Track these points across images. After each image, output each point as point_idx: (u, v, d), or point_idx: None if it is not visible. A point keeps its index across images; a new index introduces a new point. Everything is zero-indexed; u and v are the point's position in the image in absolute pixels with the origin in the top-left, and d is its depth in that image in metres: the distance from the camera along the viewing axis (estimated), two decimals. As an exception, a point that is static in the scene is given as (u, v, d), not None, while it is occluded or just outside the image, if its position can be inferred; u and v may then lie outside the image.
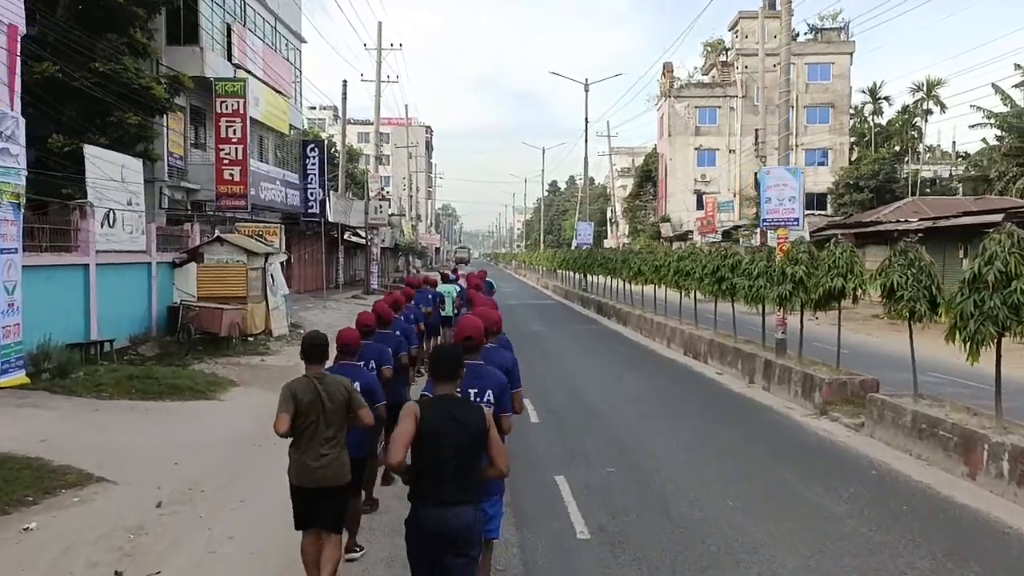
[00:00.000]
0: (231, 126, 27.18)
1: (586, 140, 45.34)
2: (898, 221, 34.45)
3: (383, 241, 53.20)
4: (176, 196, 27.89)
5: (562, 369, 18.41)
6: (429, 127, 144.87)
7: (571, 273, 42.59)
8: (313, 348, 5.97)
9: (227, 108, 27.15)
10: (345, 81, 44.46)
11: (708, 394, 15.19)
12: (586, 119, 45.20)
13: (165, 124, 26.78)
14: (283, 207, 35.08)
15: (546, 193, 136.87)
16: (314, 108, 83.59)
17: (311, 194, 37.68)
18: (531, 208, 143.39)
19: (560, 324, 29.49)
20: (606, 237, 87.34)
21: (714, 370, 17.64)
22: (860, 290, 12.73)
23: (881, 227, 33.99)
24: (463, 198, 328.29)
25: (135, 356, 18.57)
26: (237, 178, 27.24)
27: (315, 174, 37.76)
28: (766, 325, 16.49)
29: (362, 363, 7.23)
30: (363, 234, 45.79)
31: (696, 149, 68.81)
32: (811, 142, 65.58)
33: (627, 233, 79.09)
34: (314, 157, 37.77)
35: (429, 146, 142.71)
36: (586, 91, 44.38)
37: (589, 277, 38.62)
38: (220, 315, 20.06)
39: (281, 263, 26.93)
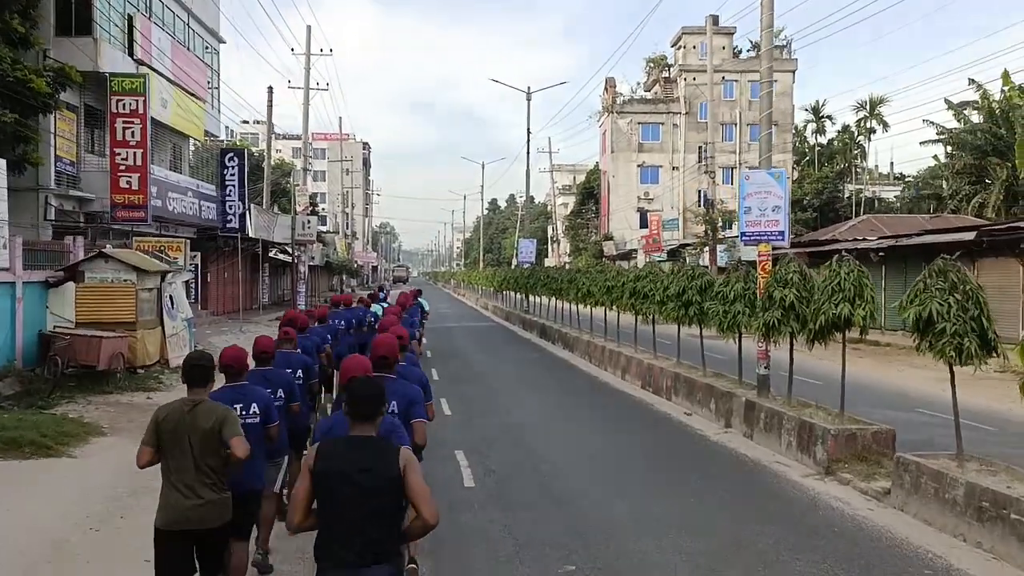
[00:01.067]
0: (129, 127, 23.93)
1: (528, 151, 42.90)
2: (855, 239, 32.59)
3: (312, 259, 49.84)
4: (66, 207, 24.46)
5: (504, 411, 15.61)
6: (366, 143, 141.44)
7: (512, 293, 39.89)
8: (194, 370, 5.24)
9: (124, 107, 23.91)
10: (271, 87, 41.68)
11: (682, 445, 12.53)
12: (528, 129, 42.79)
13: (52, 124, 23.46)
14: (197, 221, 31.72)
15: (486, 211, 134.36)
16: (247, 122, 79.58)
17: (230, 207, 34.34)
18: (471, 227, 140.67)
19: (501, 351, 26.72)
20: (547, 256, 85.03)
21: (682, 410, 15.02)
22: (871, 318, 10.23)
23: (838, 246, 32.03)
24: (402, 216, 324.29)
25: (-14, 396, 15.24)
26: (136, 186, 23.96)
27: (234, 185, 34.45)
28: (743, 358, 13.95)
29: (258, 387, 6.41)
30: (290, 251, 42.49)
31: (639, 166, 66.96)
32: (754, 160, 64.19)
33: (569, 251, 76.88)
34: (233, 167, 34.47)
35: (367, 163, 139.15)
36: (528, 100, 42.03)
37: (532, 298, 35.98)
38: (98, 344, 16.81)
39: (186, 282, 23.70)
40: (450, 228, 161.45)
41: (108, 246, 21.58)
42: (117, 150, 23.85)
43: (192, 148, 36.57)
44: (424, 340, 29.85)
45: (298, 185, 42.50)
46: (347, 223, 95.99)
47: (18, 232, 21.90)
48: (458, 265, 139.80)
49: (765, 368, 12.88)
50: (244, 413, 5.85)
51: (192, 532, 5.06)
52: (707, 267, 34.70)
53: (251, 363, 6.58)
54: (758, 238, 12.82)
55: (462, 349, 27.28)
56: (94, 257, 18.72)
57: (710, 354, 15.91)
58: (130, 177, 23.86)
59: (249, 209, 35.19)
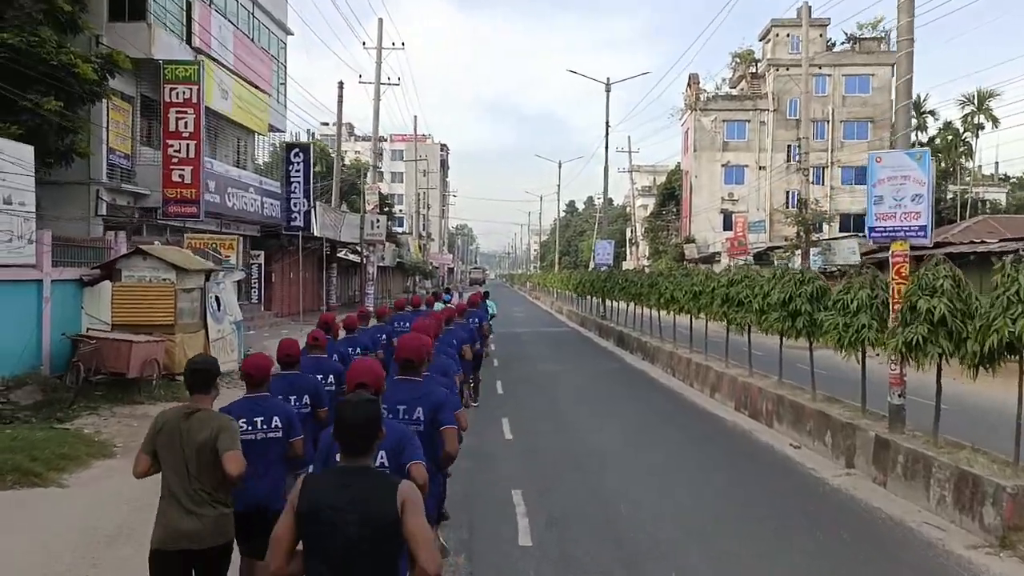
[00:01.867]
0: (182, 118, 22.50)
1: (606, 146, 40.48)
2: (972, 242, 29.21)
3: (383, 259, 48.42)
4: (119, 201, 23.17)
5: (575, 436, 13.36)
6: (445, 145, 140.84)
7: (588, 297, 37.52)
8: (194, 375, 4.79)
9: (178, 96, 22.49)
10: (341, 83, 39.95)
11: (793, 489, 10.07)
12: (607, 123, 40.40)
13: (104, 114, 22.18)
14: (259, 218, 30.34)
15: (563, 213, 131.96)
16: (327, 124, 78.83)
17: (294, 204, 32.97)
18: (547, 229, 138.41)
19: (575, 360, 24.42)
20: (625, 258, 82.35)
21: (787, 440, 12.51)
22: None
23: (952, 248, 28.75)
24: (479, 218, 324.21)
25: (2, 405, 13.70)
26: (188, 180, 22.51)
27: (299, 182, 33.08)
28: (868, 381, 11.39)
29: (281, 397, 5.94)
30: (361, 250, 41.01)
31: (723, 165, 63.73)
32: (848, 159, 60.41)
33: (648, 254, 74.02)
34: (298, 163, 33.09)
35: (445, 165, 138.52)
36: (607, 91, 39.62)
37: (608, 302, 33.57)
38: (128, 349, 15.18)
39: (238, 282, 22.13)
40: (527, 230, 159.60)
41: (156, 242, 20.13)
42: (170, 141, 22.44)
43: (266, 145, 35.28)
44: (492, 346, 27.85)
45: (368, 184, 40.96)
46: (423, 224, 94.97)
47: (67, 227, 20.74)
48: (535, 268, 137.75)
49: (900, 396, 10.31)
50: (265, 427, 5.44)
51: (190, 552, 4.58)
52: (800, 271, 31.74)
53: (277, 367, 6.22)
54: (892, 234, 10.25)
55: (532, 357, 25.10)
56: (131, 254, 17.17)
57: (817, 371, 13.35)
58: (183, 170, 22.42)
59: (314, 207, 33.72)
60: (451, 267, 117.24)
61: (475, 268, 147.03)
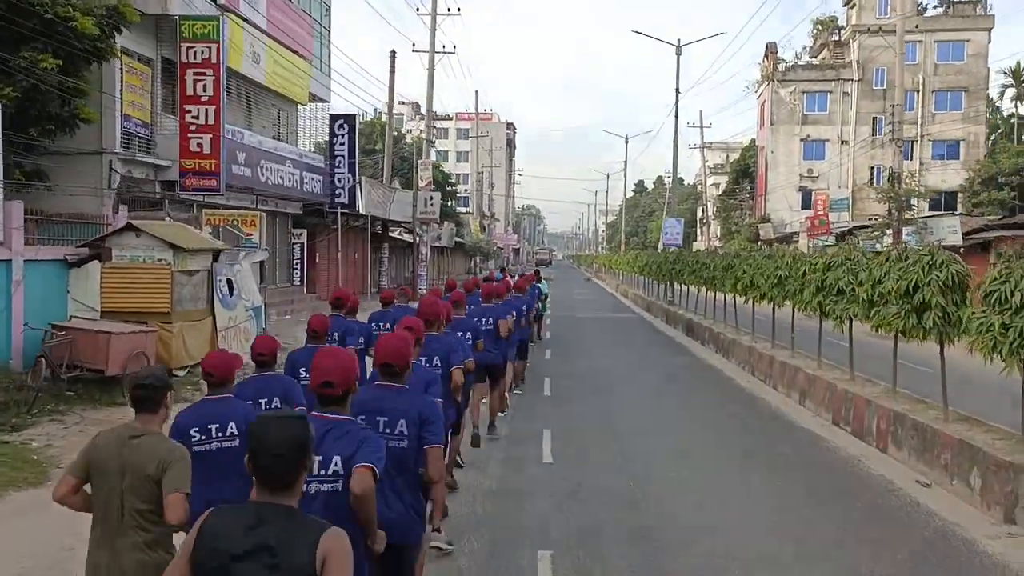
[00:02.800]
0: (200, 80, 20.15)
1: (676, 115, 37.09)
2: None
3: (438, 239, 46.00)
4: (136, 174, 21.03)
5: (634, 460, 10.52)
6: (511, 124, 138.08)
7: (655, 281, 34.41)
8: (136, 391, 4.06)
9: (196, 56, 20.13)
10: (393, 52, 37.44)
11: (934, 556, 7.11)
12: (677, 89, 37.00)
13: (117, 77, 20.01)
14: (299, 194, 28.06)
15: (632, 193, 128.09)
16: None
17: (339, 179, 30.61)
18: (615, 209, 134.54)
19: (637, 352, 21.49)
20: (695, 239, 78.63)
21: (911, 475, 9.44)
22: None
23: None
24: (547, 198, 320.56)
25: (-50, 408, 11.53)
26: (207, 149, 20.19)
27: (344, 155, 30.70)
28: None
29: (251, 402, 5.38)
30: (414, 229, 38.63)
31: (802, 140, 59.55)
32: (940, 132, 55.69)
33: (720, 235, 70.22)
34: (343, 135, 30.71)
35: (511, 144, 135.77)
36: (677, 54, 36.22)
37: (676, 286, 30.45)
38: (106, 342, 12.88)
39: (260, 262, 19.83)
40: (593, 210, 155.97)
41: (167, 217, 17.90)
42: (187, 107, 20.14)
43: (316, 121, 32.90)
44: (547, 333, 25.12)
45: (422, 159, 38.49)
46: (487, 204, 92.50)
47: (77, 202, 18.69)
48: (603, 248, 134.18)
49: (1091, 430, 7.25)
50: (220, 434, 4.80)
51: None
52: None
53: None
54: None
55: (590, 347, 22.28)
56: (122, 230, 14.87)
57: (919, 368, 10.21)
58: (201, 138, 20.12)
59: (360, 183, 31.34)
60: (516, 248, 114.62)
61: (540, 249, 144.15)
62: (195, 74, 20.04)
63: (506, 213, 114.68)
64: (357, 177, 30.92)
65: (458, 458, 9.01)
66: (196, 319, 15.51)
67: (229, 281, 16.92)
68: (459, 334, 8.15)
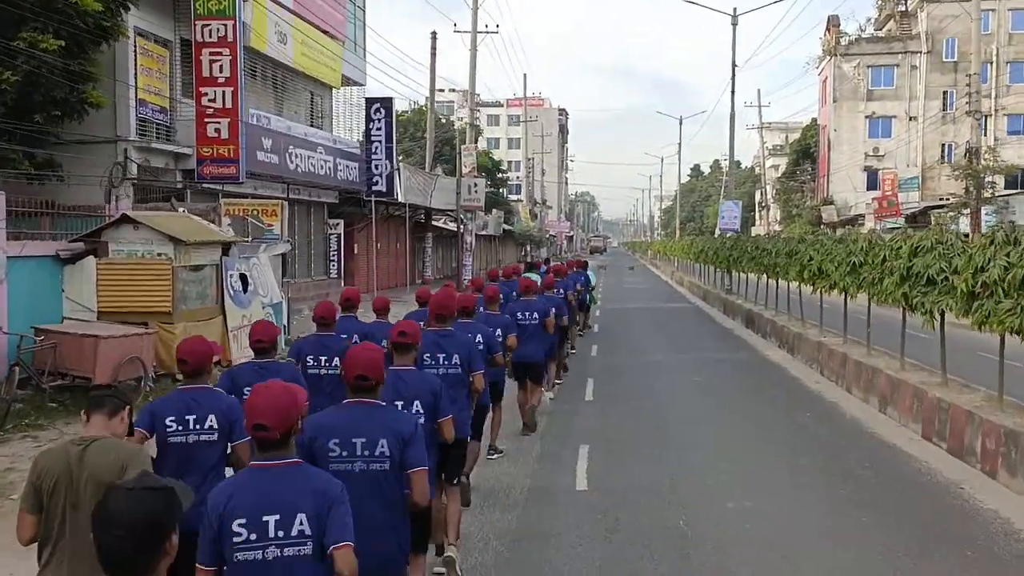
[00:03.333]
0: (216, 60, 18.81)
1: (733, 90, 34.77)
2: None
3: (484, 227, 44.44)
4: (156, 162, 19.85)
5: (683, 493, 8.76)
6: (563, 110, 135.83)
7: (712, 268, 32.31)
8: (94, 394, 4.03)
9: (211, 35, 18.80)
10: (434, 33, 35.91)
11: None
12: (733, 63, 34.67)
13: (132, 60, 18.82)
14: (333, 182, 26.72)
15: (687, 177, 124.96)
16: (442, 91, 75.33)
17: (376, 166, 29.19)
18: (670, 195, 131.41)
19: (694, 348, 19.57)
20: (754, 224, 75.81)
21: (1035, 513, 7.57)
22: None
23: None
24: (601, 184, 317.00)
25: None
26: (225, 135, 18.88)
27: (381, 141, 29.24)
28: None
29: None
30: (458, 218, 37.12)
31: (867, 117, 56.47)
32: (1015, 105, 52.20)
33: (779, 219, 67.39)
34: (380, 119, 29.25)
35: (564, 130, 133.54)
36: (734, 25, 33.90)
37: (735, 273, 28.38)
38: (94, 347, 11.56)
39: (283, 255, 18.47)
40: (648, 195, 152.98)
41: (182, 209, 16.60)
42: (203, 89, 18.82)
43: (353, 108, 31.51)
44: (595, 326, 23.39)
45: (465, 144, 36.91)
46: (539, 191, 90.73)
47: (91, 193, 17.54)
48: (658, 235, 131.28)
49: None
50: (199, 427, 4.54)
51: None
52: (967, 234, 25.54)
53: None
54: None
55: (640, 342, 20.48)
56: (119, 222, 13.53)
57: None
58: (218, 123, 18.79)
59: (398, 169, 29.88)
60: (570, 235, 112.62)
61: (595, 236, 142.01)
62: (211, 54, 18.71)
63: (559, 200, 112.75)
64: (395, 163, 29.45)
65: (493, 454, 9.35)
66: (204, 318, 14.16)
67: (243, 276, 15.56)
68: (491, 330, 7.93)
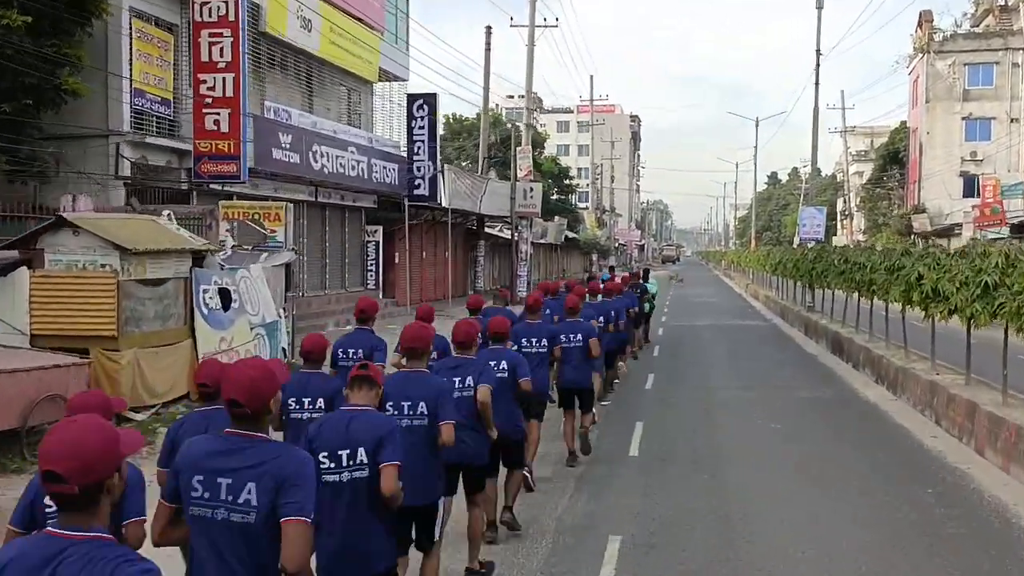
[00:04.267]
0: (217, 43, 16.32)
1: (817, 81, 30.92)
2: None
3: (543, 236, 41.49)
4: (156, 161, 17.52)
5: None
6: (636, 116, 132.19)
7: (791, 281, 28.67)
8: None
9: (210, 14, 16.32)
10: (489, 27, 33.19)
11: None
12: (817, 50, 31.03)
13: (127, 44, 16.55)
14: (368, 185, 24.16)
15: (764, 185, 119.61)
16: (512, 97, 72.74)
17: (418, 168, 26.56)
18: (745, 204, 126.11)
19: (767, 379, 16.22)
20: (835, 233, 71.11)
21: None
22: None
23: None
24: (674, 192, 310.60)
25: None
26: (225, 127, 16.37)
27: (423, 141, 26.61)
28: None
29: None
30: (512, 224, 34.30)
31: (964, 119, 51.63)
32: None
33: (863, 228, 62.67)
34: (422, 117, 26.61)
35: (636, 137, 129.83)
36: (819, 9, 30.22)
37: (818, 289, 24.80)
38: (-7, 383, 9.01)
39: (287, 265, 15.87)
40: (723, 203, 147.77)
41: (167, 213, 14.07)
42: (202, 76, 16.36)
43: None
44: (655, 346, 20.25)
45: (520, 146, 34.08)
46: (609, 198, 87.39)
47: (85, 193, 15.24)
48: (734, 244, 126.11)
49: None
50: None
51: None
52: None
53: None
54: None
55: (706, 370, 17.24)
56: (55, 226, 10.99)
57: None
58: (218, 114, 16.31)
59: (442, 171, 27.18)
60: (641, 244, 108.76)
61: (667, 245, 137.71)
62: (210, 35, 16.25)
63: (629, 208, 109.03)
64: (439, 165, 26.76)
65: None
66: (165, 342, 11.57)
67: (224, 291, 12.93)
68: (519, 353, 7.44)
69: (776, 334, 24.67)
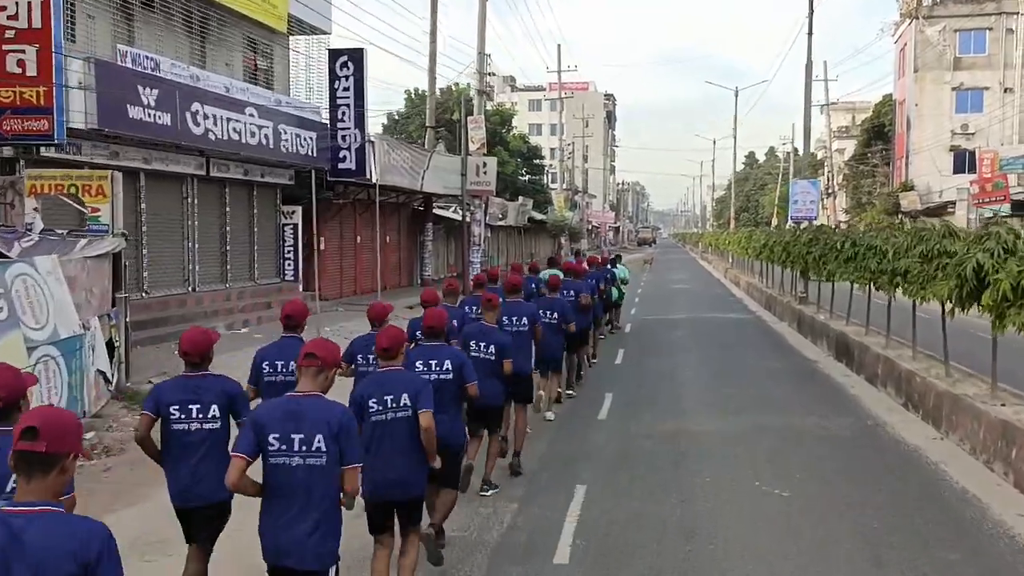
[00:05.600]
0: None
1: (810, 30, 26.63)
2: None
3: (501, 217, 37.33)
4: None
5: None
6: (611, 95, 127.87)
7: (778, 268, 24.66)
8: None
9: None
10: (435, -19, 28.72)
11: None
12: (811, 7, 26.89)
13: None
14: (271, 155, 19.91)
15: (742, 166, 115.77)
16: (489, 75, 67.88)
17: (343, 137, 22.31)
18: (721, 185, 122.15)
19: (762, 402, 12.11)
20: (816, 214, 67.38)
21: None
22: None
23: None
24: (650, 172, 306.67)
25: None
26: (32, 70, 12.06)
27: (348, 106, 22.35)
28: None
29: None
30: (462, 204, 30.14)
31: (954, 89, 47.98)
32: None
33: (846, 207, 59.01)
34: (346, 77, 22.33)
35: (611, 117, 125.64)
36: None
37: (810, 275, 20.84)
38: None
39: (113, 254, 11.65)
40: (700, 182, 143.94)
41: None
42: None
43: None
44: (620, 354, 16.26)
45: (473, 116, 29.79)
46: (582, 179, 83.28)
47: None
48: (711, 226, 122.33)
49: None
50: (200, 415, 4.87)
51: None
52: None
53: None
54: None
55: (679, 387, 13.19)
56: None
57: None
58: (22, 52, 12.00)
59: (372, 142, 22.91)
60: (616, 226, 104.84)
61: (643, 227, 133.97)
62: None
63: (604, 189, 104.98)
64: (367, 134, 22.48)
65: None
66: None
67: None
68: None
69: (764, 332, 20.61)
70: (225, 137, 17.62)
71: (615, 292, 17.45)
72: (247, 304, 19.86)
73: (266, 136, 19.06)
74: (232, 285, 20.01)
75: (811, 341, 17.85)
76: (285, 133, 19.91)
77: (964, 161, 46.69)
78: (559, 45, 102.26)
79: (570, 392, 11.71)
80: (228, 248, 19.94)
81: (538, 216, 49.65)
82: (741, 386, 13.14)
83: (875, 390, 12.58)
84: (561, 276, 11.30)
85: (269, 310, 19.81)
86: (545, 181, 72.41)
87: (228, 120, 17.75)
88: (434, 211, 31.35)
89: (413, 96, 56.67)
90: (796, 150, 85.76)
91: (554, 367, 10.43)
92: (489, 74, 29.96)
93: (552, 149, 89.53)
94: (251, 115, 18.53)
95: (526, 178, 59.65)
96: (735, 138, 66.15)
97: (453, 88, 54.54)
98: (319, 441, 3.86)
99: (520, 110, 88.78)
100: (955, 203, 41.26)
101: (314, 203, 19.55)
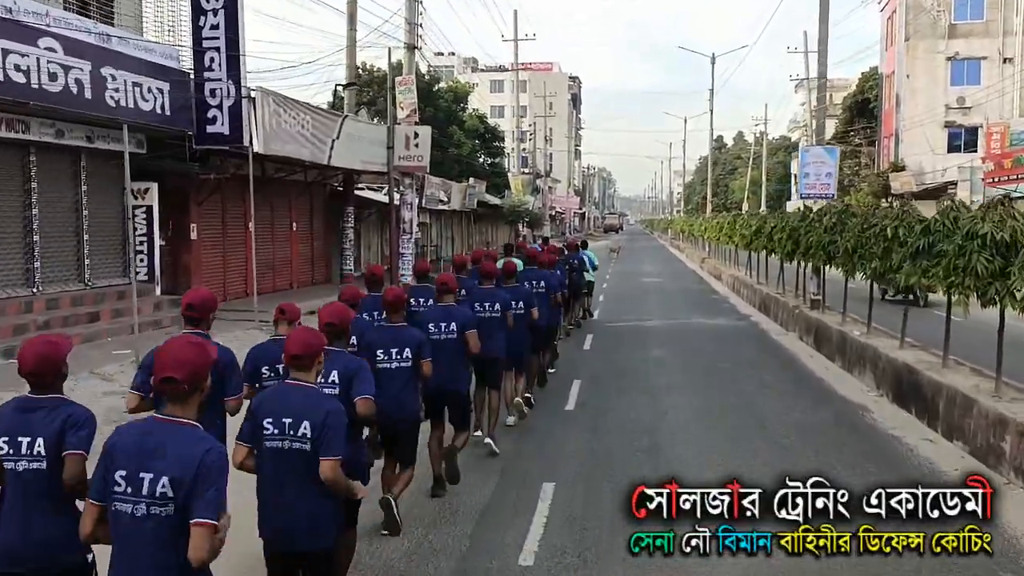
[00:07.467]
0: None
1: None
2: None
3: (443, 201, 31.73)
4: None
5: None
6: (576, 78, 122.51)
7: (778, 260, 19.33)
8: None
9: None
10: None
11: None
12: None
13: None
14: (93, 110, 14.21)
15: (712, 147, 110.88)
16: (441, 55, 61.90)
17: (213, 92, 16.67)
18: (690, 170, 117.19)
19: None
20: (789, 198, 62.93)
21: None
22: None
23: None
24: (620, 157, 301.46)
25: None
26: None
27: (219, 50, 16.69)
28: None
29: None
30: (389, 184, 24.66)
31: (949, 59, 43.21)
32: None
33: (827, 191, 54.14)
34: (214, 12, 16.64)
35: (576, 100, 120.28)
36: None
37: (826, 270, 15.59)
38: None
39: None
40: (668, 166, 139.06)
41: None
42: None
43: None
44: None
45: (401, 78, 24.18)
46: (544, 162, 77.85)
47: None
48: (678, 212, 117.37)
49: None
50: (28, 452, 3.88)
51: None
52: None
53: None
54: None
55: (657, 457, 7.87)
56: None
57: None
58: None
59: (251, 98, 17.23)
60: (581, 212, 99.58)
61: (609, 213, 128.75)
62: None
63: (568, 174, 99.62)
64: (243, 90, 16.78)
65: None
66: None
67: None
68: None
69: (770, 350, 15.20)
70: (33, 86, 12.00)
71: (584, 277, 16.17)
72: (69, 314, 14.28)
73: (77, 81, 13.38)
74: (43, 291, 14.35)
75: (842, 366, 12.53)
76: (114, 80, 14.24)
77: (960, 139, 42.10)
78: (515, 11, 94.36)
79: (528, 397, 9.85)
80: (36, 240, 14.28)
81: (492, 200, 44.07)
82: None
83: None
84: (519, 264, 10.13)
85: (119, 319, 14.35)
86: (506, 165, 67.06)
87: (12, 56, 12.10)
88: (358, 193, 25.73)
89: (364, 72, 50.77)
90: (764, 133, 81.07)
91: (517, 365, 9.07)
92: (417, 24, 24.24)
93: (514, 132, 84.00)
94: (49, 49, 12.84)
95: (483, 160, 54.22)
96: (711, 111, 61.08)
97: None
98: (164, 485, 3.09)
99: (482, 91, 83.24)
100: (956, 183, 36.42)
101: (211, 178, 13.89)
